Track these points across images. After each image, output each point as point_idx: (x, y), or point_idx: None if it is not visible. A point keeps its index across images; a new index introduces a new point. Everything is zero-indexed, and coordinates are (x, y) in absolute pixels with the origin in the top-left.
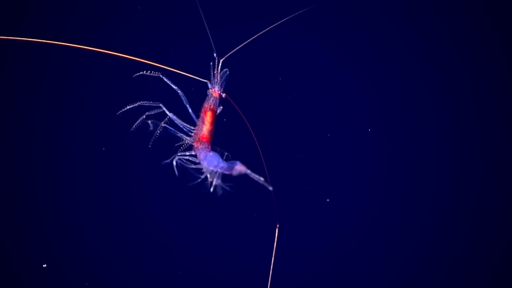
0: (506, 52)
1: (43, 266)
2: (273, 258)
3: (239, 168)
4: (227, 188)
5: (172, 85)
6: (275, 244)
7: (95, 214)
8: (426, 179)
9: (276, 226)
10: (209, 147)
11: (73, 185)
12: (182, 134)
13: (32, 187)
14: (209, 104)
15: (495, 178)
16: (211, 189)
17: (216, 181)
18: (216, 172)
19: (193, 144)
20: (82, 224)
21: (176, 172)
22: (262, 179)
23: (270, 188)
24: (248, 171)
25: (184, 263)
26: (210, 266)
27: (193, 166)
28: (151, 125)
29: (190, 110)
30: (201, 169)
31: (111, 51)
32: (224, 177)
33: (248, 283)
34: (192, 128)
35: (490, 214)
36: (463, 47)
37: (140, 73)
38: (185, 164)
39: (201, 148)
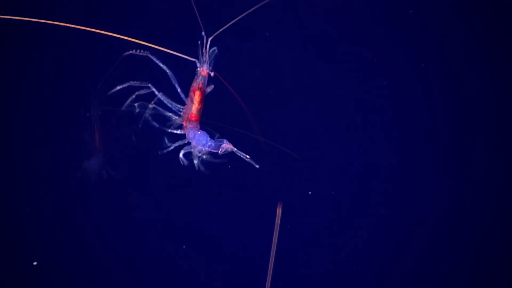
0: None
1: (34, 263)
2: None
3: (226, 146)
4: (215, 161)
5: (161, 64)
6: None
7: (86, 208)
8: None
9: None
10: (198, 126)
11: (61, 173)
12: (171, 114)
13: (20, 182)
14: (197, 83)
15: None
16: (197, 167)
17: (200, 158)
18: (204, 150)
19: (182, 123)
20: (74, 219)
21: (183, 162)
22: (248, 157)
23: (257, 166)
24: (235, 149)
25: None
26: (207, 255)
27: (182, 145)
28: (138, 107)
29: (179, 90)
30: (190, 148)
31: (98, 29)
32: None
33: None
34: (181, 107)
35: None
36: (462, 47)
37: (129, 52)
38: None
39: (190, 127)
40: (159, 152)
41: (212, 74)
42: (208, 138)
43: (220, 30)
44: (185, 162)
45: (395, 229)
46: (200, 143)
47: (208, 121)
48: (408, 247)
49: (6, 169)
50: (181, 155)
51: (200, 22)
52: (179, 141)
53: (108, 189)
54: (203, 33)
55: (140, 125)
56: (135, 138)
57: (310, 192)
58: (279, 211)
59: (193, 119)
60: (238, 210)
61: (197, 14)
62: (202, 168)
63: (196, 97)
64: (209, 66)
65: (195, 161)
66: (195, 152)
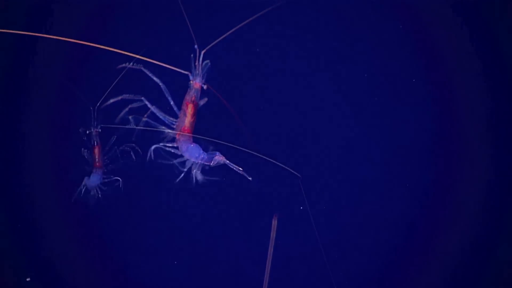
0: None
1: (27, 280)
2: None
3: (218, 158)
4: (211, 179)
5: (154, 78)
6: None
7: (86, 224)
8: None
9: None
10: (191, 138)
11: (55, 184)
12: (164, 127)
13: (20, 198)
14: (190, 96)
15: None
16: (194, 181)
17: (197, 173)
18: (197, 164)
19: (175, 136)
20: (73, 235)
21: (151, 156)
22: (241, 169)
23: (249, 179)
24: (227, 162)
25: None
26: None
27: (176, 160)
28: (132, 120)
29: (172, 103)
30: (184, 161)
31: (92, 43)
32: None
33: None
34: (174, 120)
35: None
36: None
37: (122, 65)
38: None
39: (183, 140)
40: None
41: (205, 87)
42: (201, 151)
43: (213, 43)
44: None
45: (389, 245)
46: (193, 156)
47: (201, 136)
48: (403, 269)
49: (7, 185)
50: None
51: (193, 35)
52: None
53: (107, 205)
54: (196, 46)
55: (133, 139)
56: (134, 155)
57: (301, 207)
58: (274, 223)
59: (186, 132)
60: (232, 222)
61: (189, 27)
62: (195, 180)
63: (189, 110)
64: (202, 79)
65: (193, 172)
66: (188, 164)
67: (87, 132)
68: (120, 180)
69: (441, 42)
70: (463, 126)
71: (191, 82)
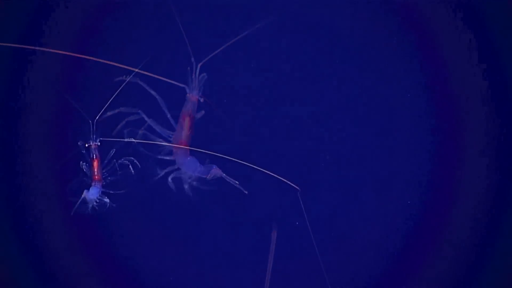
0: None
1: None
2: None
3: (215, 171)
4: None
5: (151, 91)
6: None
7: (85, 238)
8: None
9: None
10: (188, 152)
11: (54, 196)
12: (161, 140)
13: (18, 212)
14: (187, 109)
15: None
16: (187, 192)
17: (191, 184)
18: (193, 176)
19: (172, 149)
20: (72, 249)
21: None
22: (237, 182)
23: (246, 192)
24: (223, 175)
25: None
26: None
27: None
28: (126, 134)
29: (168, 116)
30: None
31: (89, 56)
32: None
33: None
34: (171, 133)
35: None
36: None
37: (119, 78)
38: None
39: (180, 153)
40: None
41: (201, 100)
42: (198, 164)
43: (210, 56)
44: (174, 187)
45: (389, 259)
46: (189, 169)
47: (199, 149)
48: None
49: (5, 198)
50: (170, 179)
51: (190, 49)
52: (169, 167)
53: (106, 218)
54: (192, 59)
55: (130, 151)
56: (133, 168)
57: (297, 223)
58: (274, 237)
59: (183, 145)
60: (231, 235)
61: (186, 40)
62: (191, 193)
63: (186, 123)
64: (199, 92)
65: (186, 186)
66: (185, 177)
67: (86, 145)
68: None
69: (441, 42)
70: (464, 125)
71: (188, 95)
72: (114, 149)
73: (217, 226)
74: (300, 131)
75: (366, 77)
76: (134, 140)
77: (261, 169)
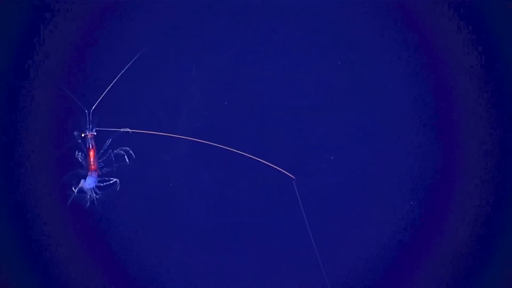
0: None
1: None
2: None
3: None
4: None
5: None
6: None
7: (81, 228)
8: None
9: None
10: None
11: (49, 187)
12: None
13: (14, 202)
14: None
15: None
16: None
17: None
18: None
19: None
20: (68, 239)
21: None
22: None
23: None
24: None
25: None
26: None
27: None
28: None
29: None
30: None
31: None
32: None
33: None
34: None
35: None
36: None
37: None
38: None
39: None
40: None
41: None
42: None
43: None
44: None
45: (387, 248)
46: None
47: (196, 139)
48: (399, 272)
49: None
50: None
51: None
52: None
53: (102, 207)
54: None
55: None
56: (128, 159)
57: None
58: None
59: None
60: (227, 223)
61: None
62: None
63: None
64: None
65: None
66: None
67: (82, 135)
68: (118, 181)
69: (442, 41)
70: (465, 125)
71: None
72: (110, 139)
73: (211, 216)
74: (295, 119)
75: (366, 68)
76: (130, 130)
77: (256, 158)
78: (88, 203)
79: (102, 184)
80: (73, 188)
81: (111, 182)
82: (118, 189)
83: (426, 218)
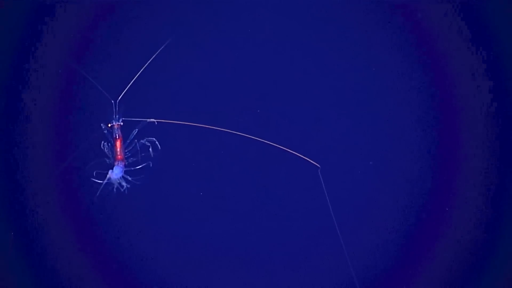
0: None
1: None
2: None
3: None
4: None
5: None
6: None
7: (108, 218)
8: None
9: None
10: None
11: (76, 177)
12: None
13: (39, 192)
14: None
15: None
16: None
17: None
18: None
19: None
20: (94, 229)
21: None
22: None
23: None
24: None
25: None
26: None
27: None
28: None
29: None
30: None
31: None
32: None
33: None
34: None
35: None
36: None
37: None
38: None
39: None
40: None
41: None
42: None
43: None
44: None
45: (411, 235)
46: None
47: (222, 128)
48: (423, 258)
49: (26, 179)
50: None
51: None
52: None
53: (129, 198)
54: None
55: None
56: (152, 150)
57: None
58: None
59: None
60: (250, 213)
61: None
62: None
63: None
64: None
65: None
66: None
67: (109, 125)
68: (150, 163)
69: (441, 42)
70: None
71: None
72: (137, 129)
73: (238, 204)
74: (320, 108)
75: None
76: (155, 120)
77: (282, 147)
78: (115, 192)
79: (129, 178)
80: (95, 178)
81: (143, 166)
82: (151, 166)
83: (452, 201)
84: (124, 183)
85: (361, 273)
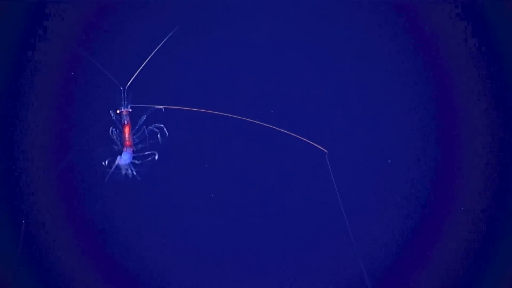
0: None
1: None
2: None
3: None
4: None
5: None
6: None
7: (116, 204)
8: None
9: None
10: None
11: (84, 164)
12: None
13: (50, 178)
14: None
15: None
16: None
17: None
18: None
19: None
20: (104, 214)
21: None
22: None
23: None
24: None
25: None
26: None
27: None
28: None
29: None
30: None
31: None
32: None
33: None
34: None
35: None
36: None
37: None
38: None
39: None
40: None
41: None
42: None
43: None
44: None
45: (417, 224)
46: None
47: (229, 114)
48: (429, 247)
49: (37, 166)
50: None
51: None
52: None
53: (137, 184)
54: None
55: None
56: (161, 136)
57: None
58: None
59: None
60: (257, 199)
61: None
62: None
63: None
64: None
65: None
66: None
67: (117, 111)
68: (156, 153)
69: (442, 42)
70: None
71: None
72: (145, 115)
73: (245, 189)
74: (328, 93)
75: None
76: (162, 107)
77: (289, 133)
78: (123, 179)
79: (136, 162)
80: (104, 163)
81: (149, 154)
82: (156, 158)
83: (460, 193)
84: (132, 169)
85: (368, 260)
